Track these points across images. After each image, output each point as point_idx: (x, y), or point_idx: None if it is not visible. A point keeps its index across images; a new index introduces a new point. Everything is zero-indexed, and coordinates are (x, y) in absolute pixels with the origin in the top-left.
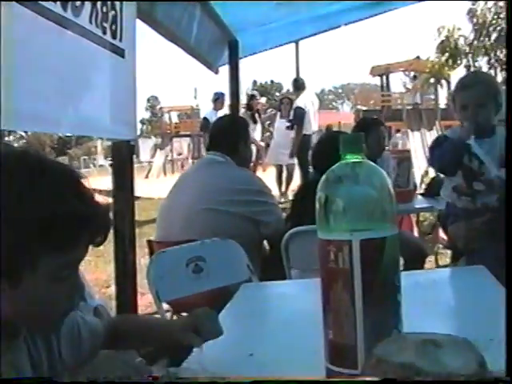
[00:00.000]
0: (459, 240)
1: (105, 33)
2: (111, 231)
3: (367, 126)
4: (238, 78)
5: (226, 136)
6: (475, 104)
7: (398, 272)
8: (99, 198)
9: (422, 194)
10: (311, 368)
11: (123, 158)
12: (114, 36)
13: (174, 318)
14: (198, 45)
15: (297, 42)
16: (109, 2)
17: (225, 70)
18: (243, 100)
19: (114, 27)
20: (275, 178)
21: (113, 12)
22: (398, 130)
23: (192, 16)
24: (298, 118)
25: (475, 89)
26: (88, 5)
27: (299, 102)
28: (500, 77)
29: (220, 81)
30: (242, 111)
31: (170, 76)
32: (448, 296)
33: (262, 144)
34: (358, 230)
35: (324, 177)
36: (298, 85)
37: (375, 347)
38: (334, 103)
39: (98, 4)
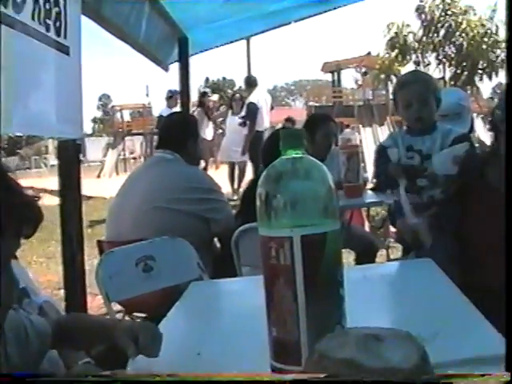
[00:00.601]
0: (407, 234)
1: (48, 30)
2: (59, 232)
3: (317, 121)
4: (188, 76)
5: (175, 134)
6: (418, 101)
7: (340, 267)
8: (29, 192)
9: (372, 189)
10: (258, 365)
11: (70, 157)
12: (58, 33)
13: (127, 318)
14: (147, 42)
15: (248, 39)
16: None
17: (176, 68)
18: (195, 97)
19: (58, 24)
20: (227, 175)
21: (56, 9)
22: (347, 126)
23: (140, 13)
24: (250, 114)
25: (417, 86)
26: (30, 1)
27: (252, 98)
28: (448, 73)
29: (172, 78)
30: (193, 108)
31: (122, 74)
32: (395, 290)
33: (215, 142)
34: (298, 225)
35: (264, 173)
36: (251, 82)
37: (317, 343)
38: (286, 99)
39: (41, 0)
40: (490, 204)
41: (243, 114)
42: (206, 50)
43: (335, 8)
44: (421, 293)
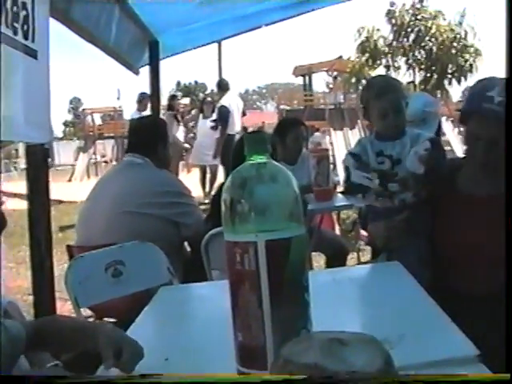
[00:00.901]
0: (378, 238)
1: (16, 33)
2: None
3: (287, 125)
4: (158, 79)
5: (145, 138)
6: (394, 111)
7: (305, 272)
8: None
9: (342, 192)
10: (226, 370)
11: (38, 161)
12: (25, 37)
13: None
14: (117, 46)
15: (219, 43)
16: (19, 1)
17: (147, 71)
18: (166, 101)
19: (25, 27)
20: (199, 178)
21: (24, 12)
22: (317, 129)
23: (110, 16)
24: (222, 118)
25: (393, 96)
26: None
27: (223, 101)
28: (418, 77)
29: (143, 81)
30: (163, 112)
31: (93, 77)
32: (363, 293)
33: (187, 145)
34: (263, 231)
35: (229, 178)
36: (223, 85)
37: (282, 348)
38: (258, 103)
39: (8, 3)
40: (461, 208)
41: (215, 117)
42: (177, 53)
43: (306, 12)
44: (389, 296)
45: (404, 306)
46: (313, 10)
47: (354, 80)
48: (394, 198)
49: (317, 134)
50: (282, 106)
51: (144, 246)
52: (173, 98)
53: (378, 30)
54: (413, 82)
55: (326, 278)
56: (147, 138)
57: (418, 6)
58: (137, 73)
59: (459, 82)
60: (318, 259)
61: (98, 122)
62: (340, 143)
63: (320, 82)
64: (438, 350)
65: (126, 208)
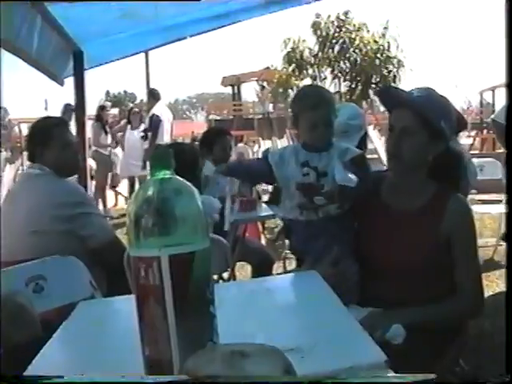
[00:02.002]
0: (300, 253)
1: None
2: None
3: (214, 136)
4: (83, 89)
5: (32, 145)
6: (325, 124)
7: (210, 285)
8: None
9: (266, 202)
10: None
11: None
12: None
13: None
14: (40, 56)
15: (146, 53)
16: None
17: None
18: (94, 111)
19: None
20: (127, 190)
21: None
22: (240, 140)
23: (32, 26)
24: (153, 127)
25: (324, 110)
26: None
27: (155, 110)
28: (344, 87)
29: (70, 92)
30: (91, 122)
31: (20, 87)
32: (278, 303)
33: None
34: (166, 245)
35: (134, 193)
36: (155, 95)
37: (186, 361)
38: (188, 113)
39: None
40: (381, 220)
41: (145, 126)
42: (103, 63)
43: (231, 24)
44: (304, 305)
45: (318, 315)
46: (239, 21)
47: (281, 90)
48: (318, 211)
49: (240, 144)
50: (211, 116)
51: (65, 260)
52: (102, 108)
53: (303, 40)
54: (338, 92)
55: (242, 288)
56: (34, 145)
57: (343, 17)
58: (61, 83)
59: None
60: (247, 268)
61: (26, 132)
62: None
63: (249, 92)
64: (348, 357)
65: (29, 228)
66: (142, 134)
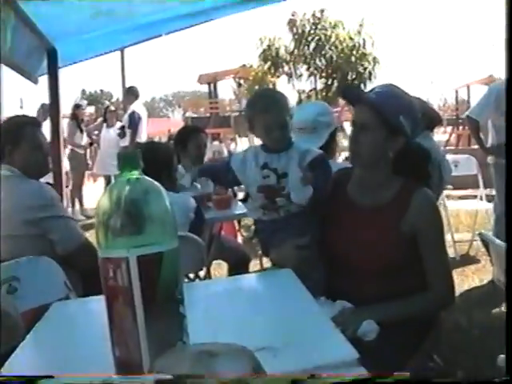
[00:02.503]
0: (267, 249)
1: None
2: None
3: (188, 133)
4: (57, 88)
5: (7, 143)
6: (279, 126)
7: (179, 285)
8: None
9: (241, 200)
10: None
11: None
12: None
13: None
14: (13, 54)
15: (122, 51)
16: None
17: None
18: (69, 110)
19: None
20: (104, 188)
21: None
22: (215, 138)
23: (6, 24)
24: (133, 124)
25: (277, 112)
26: None
27: (134, 107)
28: (320, 84)
29: (46, 90)
30: (66, 121)
31: None
32: (252, 301)
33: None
34: (135, 246)
35: (102, 194)
36: (134, 92)
37: (155, 361)
38: (164, 110)
39: None
40: (349, 215)
41: (123, 123)
42: (78, 62)
43: (205, 22)
44: (277, 304)
45: (291, 314)
46: (214, 19)
47: (257, 87)
48: (279, 210)
49: (215, 143)
50: (187, 114)
51: (39, 261)
52: (77, 107)
53: (279, 38)
54: (314, 89)
55: (216, 287)
56: (3, 144)
57: (319, 15)
58: (35, 82)
59: None
60: (224, 267)
61: None
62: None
63: (226, 90)
64: (321, 355)
65: (3, 232)
66: (119, 131)
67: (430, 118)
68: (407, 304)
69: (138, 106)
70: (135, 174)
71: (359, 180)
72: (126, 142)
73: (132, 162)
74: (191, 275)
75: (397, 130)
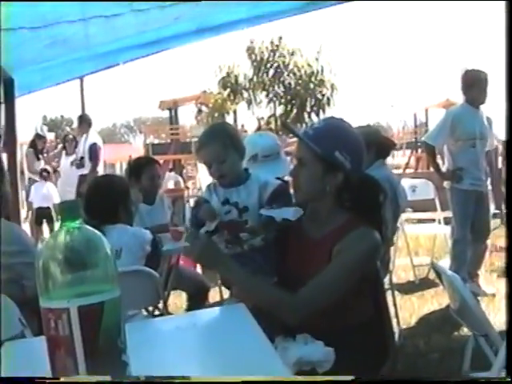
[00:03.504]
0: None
1: None
2: None
3: (141, 165)
4: (14, 117)
5: None
6: (216, 161)
7: (121, 333)
8: None
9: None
10: None
11: None
12: None
13: None
14: None
15: (81, 79)
16: None
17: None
18: (30, 137)
19: None
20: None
21: None
22: (171, 170)
23: None
24: (94, 156)
25: (212, 147)
26: None
27: (93, 138)
28: (279, 110)
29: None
30: (24, 148)
31: None
32: (203, 339)
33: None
34: (76, 295)
35: (42, 243)
36: (86, 120)
37: None
38: (126, 136)
39: None
40: (300, 246)
41: (82, 154)
42: (35, 90)
43: (164, 50)
44: (228, 341)
45: (241, 352)
46: (168, 48)
47: (216, 114)
48: (243, 244)
49: (170, 174)
50: (148, 140)
51: None
52: (39, 137)
53: (238, 65)
54: (274, 115)
55: (168, 324)
56: None
57: (277, 42)
58: None
59: (318, 114)
60: (182, 297)
61: None
62: (206, 176)
63: (187, 115)
64: None
65: None
66: (78, 162)
67: (383, 147)
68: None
69: (94, 135)
70: (76, 223)
71: (309, 212)
72: (84, 170)
73: (72, 211)
74: (150, 308)
75: (333, 165)
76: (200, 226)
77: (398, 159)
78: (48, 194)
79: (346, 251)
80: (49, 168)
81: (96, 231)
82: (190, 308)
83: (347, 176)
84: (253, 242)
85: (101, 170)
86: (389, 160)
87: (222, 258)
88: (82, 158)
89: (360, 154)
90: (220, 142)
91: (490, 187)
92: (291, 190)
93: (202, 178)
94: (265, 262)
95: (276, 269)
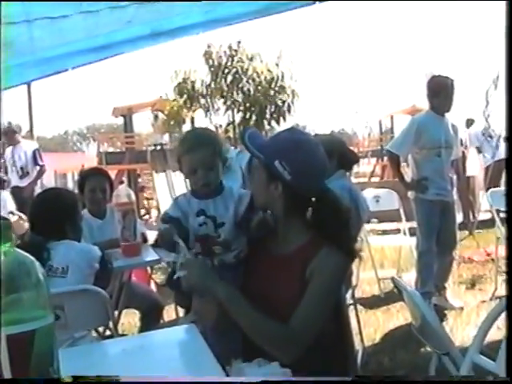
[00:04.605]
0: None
1: None
2: None
3: (85, 176)
4: None
5: None
6: (203, 167)
7: (54, 362)
8: None
9: (153, 245)
10: None
11: None
12: None
13: None
14: None
15: (29, 84)
16: None
17: None
18: None
19: None
20: None
21: None
22: (121, 182)
23: None
24: (36, 162)
25: (202, 152)
26: None
27: (29, 144)
28: (238, 118)
29: None
30: None
31: None
32: (150, 362)
33: None
34: (5, 323)
35: None
36: (12, 129)
37: None
38: (78, 144)
39: None
40: (264, 263)
41: (21, 164)
42: None
43: (117, 55)
44: (176, 364)
45: (188, 373)
46: (123, 52)
47: (172, 122)
48: (214, 259)
49: (120, 186)
50: (102, 149)
51: None
52: None
53: (195, 71)
54: (232, 123)
55: (115, 347)
56: None
57: (235, 47)
58: None
59: (278, 122)
60: (135, 315)
61: None
62: (162, 186)
63: (142, 123)
64: None
65: None
66: (20, 173)
67: (346, 158)
68: (265, 318)
69: (28, 142)
70: (6, 246)
71: (273, 229)
72: (25, 182)
73: (3, 234)
74: (100, 328)
75: (273, 174)
76: (171, 244)
77: (363, 167)
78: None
79: (323, 273)
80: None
81: (27, 255)
82: (143, 327)
83: (286, 187)
84: (224, 258)
85: (51, 181)
86: (354, 168)
87: (221, 283)
88: (22, 168)
89: (305, 167)
90: (210, 148)
91: (456, 197)
92: None
93: (158, 188)
94: (233, 280)
95: (241, 286)
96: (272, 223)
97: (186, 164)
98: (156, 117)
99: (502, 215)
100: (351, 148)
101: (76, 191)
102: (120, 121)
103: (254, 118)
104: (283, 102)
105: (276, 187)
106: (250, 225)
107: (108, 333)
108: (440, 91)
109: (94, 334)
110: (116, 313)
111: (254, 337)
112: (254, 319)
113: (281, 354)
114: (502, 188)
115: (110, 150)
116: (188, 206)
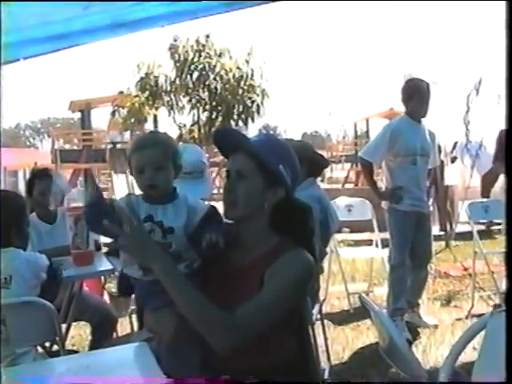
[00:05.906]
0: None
1: None
2: None
3: (35, 177)
4: None
5: None
6: (151, 167)
7: None
8: None
9: (107, 254)
10: None
11: None
12: None
13: None
14: None
15: None
16: None
17: None
18: None
19: None
20: None
21: None
22: (75, 185)
23: None
24: None
25: (151, 150)
26: None
27: None
28: (203, 117)
29: None
30: None
31: None
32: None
33: None
34: None
35: None
36: None
37: None
38: (32, 139)
39: None
40: (223, 275)
41: None
42: None
43: (74, 46)
44: (125, 381)
45: None
46: (81, 44)
47: (133, 120)
48: None
49: (73, 190)
50: (57, 145)
51: None
52: None
53: (159, 65)
54: (197, 122)
55: (59, 367)
56: None
57: (203, 41)
58: None
59: (246, 123)
60: (86, 327)
61: None
62: (122, 186)
63: (101, 119)
64: None
65: None
66: None
67: (316, 165)
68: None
69: None
70: None
71: (234, 236)
72: None
73: None
74: (47, 344)
75: (276, 179)
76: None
77: (336, 173)
78: None
79: (281, 274)
80: None
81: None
82: (94, 341)
83: (287, 192)
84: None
85: (0, 178)
86: (327, 173)
87: (160, 252)
88: None
89: (298, 171)
90: (160, 148)
91: (432, 208)
92: (222, 209)
93: (118, 190)
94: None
95: None
96: (233, 235)
97: (133, 163)
98: (115, 112)
99: (480, 227)
100: (323, 152)
101: (23, 193)
102: (77, 116)
103: (220, 117)
104: (252, 101)
105: (274, 193)
106: (201, 241)
107: (56, 347)
108: (413, 95)
109: (40, 349)
110: (65, 326)
111: (190, 317)
112: (192, 298)
113: (216, 341)
114: (483, 200)
115: (66, 147)
116: (137, 208)
